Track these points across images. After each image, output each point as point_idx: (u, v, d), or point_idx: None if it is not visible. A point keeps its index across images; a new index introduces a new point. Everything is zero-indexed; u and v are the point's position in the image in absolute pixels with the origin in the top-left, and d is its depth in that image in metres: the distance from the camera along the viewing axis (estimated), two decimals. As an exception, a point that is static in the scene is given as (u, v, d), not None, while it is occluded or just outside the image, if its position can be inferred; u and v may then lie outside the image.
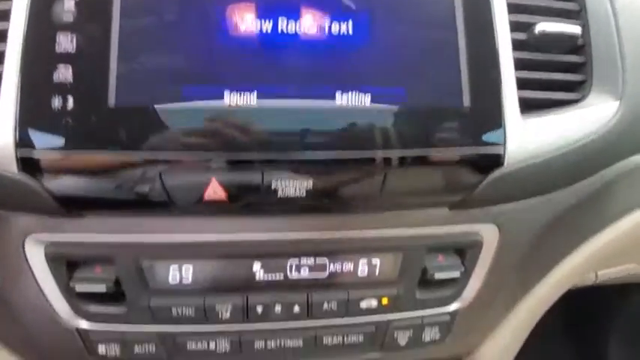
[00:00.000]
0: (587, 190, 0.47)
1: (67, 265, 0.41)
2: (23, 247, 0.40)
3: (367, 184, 0.39)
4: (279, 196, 0.37)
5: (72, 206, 0.38)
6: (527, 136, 0.41)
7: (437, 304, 0.47)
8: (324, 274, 0.44)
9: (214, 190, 0.37)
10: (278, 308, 0.44)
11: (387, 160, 0.38)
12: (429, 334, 0.48)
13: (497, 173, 0.40)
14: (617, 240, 0.53)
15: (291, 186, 0.37)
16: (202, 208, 0.38)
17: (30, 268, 0.40)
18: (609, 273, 0.64)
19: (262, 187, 0.37)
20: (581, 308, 1.09)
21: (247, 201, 0.38)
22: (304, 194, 0.38)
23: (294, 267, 0.44)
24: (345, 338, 0.46)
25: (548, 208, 0.47)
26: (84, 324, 0.42)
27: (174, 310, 0.42)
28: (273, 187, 0.37)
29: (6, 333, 0.45)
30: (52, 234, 0.40)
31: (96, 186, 0.37)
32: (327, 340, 0.46)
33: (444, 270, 0.46)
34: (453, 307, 0.48)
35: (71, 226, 0.39)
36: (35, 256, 0.40)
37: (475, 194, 0.41)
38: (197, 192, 0.37)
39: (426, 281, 0.46)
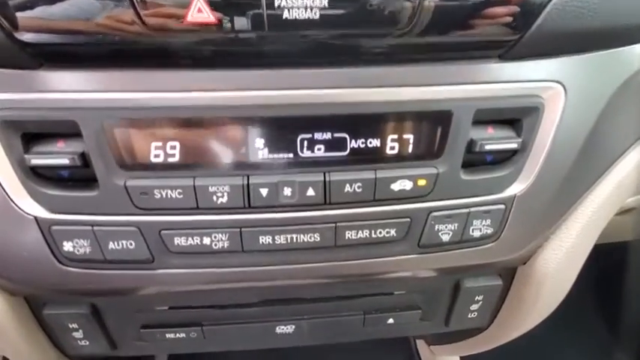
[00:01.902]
0: None
1: (23, 138, 0.32)
2: None
3: (398, 12, 0.29)
4: (284, 16, 0.28)
5: (34, 49, 0.29)
6: None
7: (489, 188, 0.37)
8: (344, 152, 0.35)
9: (199, 8, 0.28)
10: (287, 191, 0.34)
11: None
12: (479, 228, 0.38)
13: (553, 8, 0.31)
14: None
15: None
16: (186, 47, 0.29)
17: None
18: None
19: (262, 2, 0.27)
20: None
21: (240, 27, 0.28)
22: (317, 16, 0.28)
23: (305, 143, 0.34)
24: (373, 233, 0.36)
25: (616, 71, 0.37)
26: (44, 212, 0.34)
27: (157, 193, 0.33)
28: (276, 2, 0.28)
29: None
30: (4, 94, 0.31)
31: (60, 16, 0.27)
32: (350, 234, 0.36)
33: (497, 141, 0.36)
34: (509, 192, 0.37)
35: (28, 83, 0.30)
36: None
37: (529, 36, 0.31)
38: (178, 14, 0.27)
39: (474, 160, 0.36)
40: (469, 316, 0.48)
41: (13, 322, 0.39)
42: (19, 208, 0.33)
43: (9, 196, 0.33)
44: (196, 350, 0.47)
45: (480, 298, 0.46)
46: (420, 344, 0.80)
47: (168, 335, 0.43)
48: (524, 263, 0.44)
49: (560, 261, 0.42)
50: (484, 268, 0.43)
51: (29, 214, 0.33)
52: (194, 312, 0.44)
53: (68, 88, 0.31)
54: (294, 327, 0.45)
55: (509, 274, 0.46)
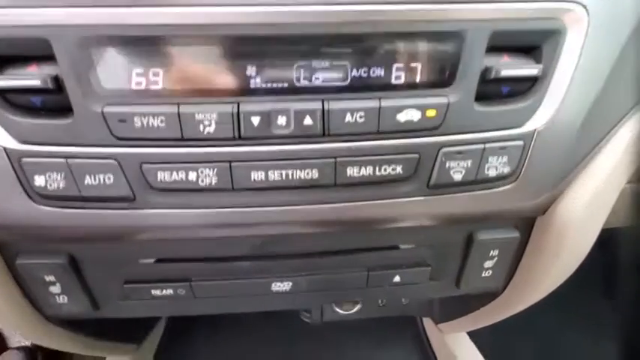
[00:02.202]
0: None
1: None
2: None
3: None
4: None
5: None
6: None
7: (506, 122, 0.33)
8: (345, 82, 0.32)
9: None
10: (282, 120, 0.31)
11: None
12: (495, 167, 0.34)
13: None
14: None
15: None
16: None
17: None
18: None
19: None
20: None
21: None
22: None
23: (302, 72, 0.31)
24: (377, 170, 0.33)
25: None
26: (13, 143, 0.30)
27: (137, 121, 0.30)
28: None
29: None
30: None
31: None
32: (352, 171, 0.33)
33: (514, 67, 0.32)
34: (529, 127, 0.34)
35: None
36: None
37: None
38: None
39: (489, 92, 0.33)
40: (483, 274, 0.44)
41: None
42: None
43: None
44: (185, 313, 0.43)
45: (495, 253, 0.42)
46: (428, 324, 0.76)
47: (154, 292, 0.40)
48: (544, 213, 0.40)
49: (583, 209, 0.38)
50: (500, 218, 0.39)
51: None
52: (182, 266, 0.40)
53: (40, 3, 0.28)
54: (291, 284, 0.41)
55: (527, 226, 0.42)
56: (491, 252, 0.42)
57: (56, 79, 0.29)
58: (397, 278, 0.43)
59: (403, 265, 0.43)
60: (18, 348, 1.15)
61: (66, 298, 0.40)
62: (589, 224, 0.41)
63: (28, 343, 1.22)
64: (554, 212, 0.39)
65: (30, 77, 0.29)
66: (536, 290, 0.47)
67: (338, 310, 0.73)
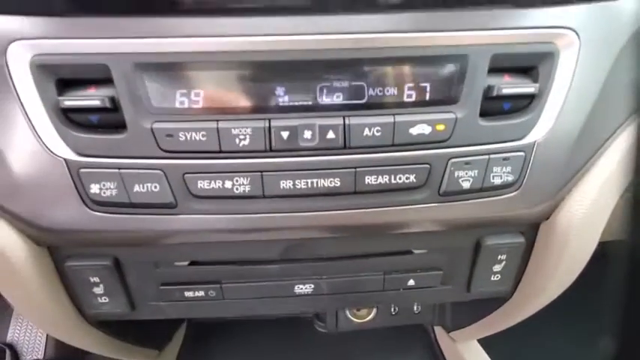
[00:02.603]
0: None
1: (57, 85, 0.34)
2: (5, 57, 0.33)
3: None
4: None
5: None
6: None
7: (508, 135, 0.37)
8: (362, 100, 0.36)
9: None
10: (308, 134, 0.35)
11: None
12: (500, 176, 0.37)
13: None
14: None
15: None
16: None
17: (12, 83, 0.33)
18: None
19: None
20: None
21: None
22: None
23: (325, 91, 0.35)
24: (392, 179, 0.37)
25: (626, 21, 0.37)
26: (73, 155, 0.35)
27: (182, 136, 0.34)
28: None
29: None
30: (40, 40, 0.33)
31: None
32: (370, 179, 0.36)
33: (514, 85, 0.36)
34: (529, 139, 0.37)
35: (62, 29, 0.33)
36: (20, 67, 0.33)
37: None
38: None
39: (492, 108, 0.37)
40: (492, 278, 0.46)
41: (37, 274, 0.40)
42: (50, 151, 0.35)
43: (41, 139, 0.34)
44: (214, 315, 0.46)
45: (503, 257, 0.45)
46: (439, 333, 0.77)
47: (187, 293, 0.43)
48: (547, 219, 0.43)
49: (584, 214, 0.41)
50: (506, 224, 0.43)
51: (59, 157, 0.35)
52: (213, 269, 0.44)
53: (101, 35, 0.33)
54: (312, 287, 0.44)
55: (531, 231, 0.45)
56: (499, 256, 0.45)
57: (112, 99, 0.34)
58: (411, 282, 0.46)
59: (417, 270, 0.46)
60: None
61: (107, 298, 0.43)
62: (589, 230, 0.44)
63: (40, 357, 1.24)
64: (556, 218, 0.42)
65: (91, 98, 0.34)
66: (543, 294, 0.49)
67: (352, 318, 0.75)
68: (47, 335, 1.26)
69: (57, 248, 0.41)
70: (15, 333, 1.25)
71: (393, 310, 0.75)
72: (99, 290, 0.43)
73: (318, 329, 0.80)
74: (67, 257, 0.41)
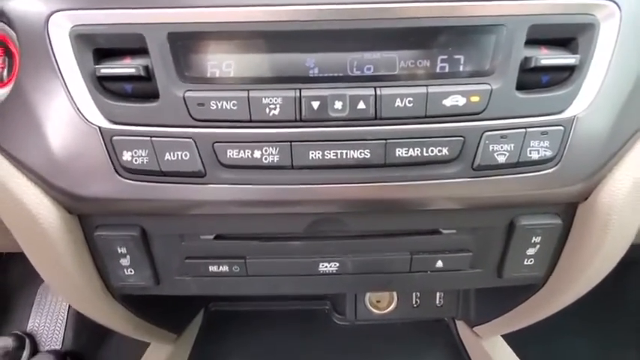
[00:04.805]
0: None
1: (94, 54, 0.35)
2: (47, 28, 0.34)
3: None
4: None
5: None
6: None
7: (546, 108, 0.36)
8: (394, 71, 0.35)
9: None
10: (338, 104, 0.35)
11: None
12: (537, 150, 0.36)
13: None
14: None
15: None
16: None
17: (53, 53, 0.34)
18: None
19: None
20: None
21: None
22: None
23: (355, 62, 0.35)
24: (424, 151, 0.36)
25: None
26: (107, 123, 0.36)
27: (213, 104, 0.34)
28: None
29: (28, 151, 0.38)
30: (79, 11, 0.34)
31: None
32: (401, 152, 0.36)
33: (553, 56, 0.35)
34: (569, 113, 0.36)
35: (100, 0, 0.34)
36: (60, 37, 0.34)
37: None
38: None
39: (529, 81, 0.35)
40: (525, 262, 0.44)
41: (67, 243, 0.41)
42: (86, 119, 0.35)
43: (77, 108, 0.35)
44: (237, 292, 0.46)
45: (538, 240, 0.43)
46: (462, 329, 0.74)
47: (211, 268, 0.43)
48: (586, 199, 0.41)
49: (623, 198, 0.39)
50: (542, 203, 0.41)
51: (93, 124, 0.35)
52: (238, 244, 0.43)
53: (137, 5, 0.34)
54: (337, 265, 0.44)
55: (569, 212, 0.43)
56: (533, 239, 0.43)
57: (146, 68, 0.35)
58: (439, 263, 0.44)
59: (445, 251, 0.44)
60: (49, 351, 1.20)
61: (133, 270, 0.44)
62: (631, 212, 0.41)
63: (58, 347, 1.27)
64: (596, 198, 0.40)
65: (126, 67, 0.35)
66: (578, 282, 0.47)
67: (372, 309, 0.73)
68: (65, 326, 1.29)
69: (87, 217, 0.42)
70: (35, 323, 1.29)
71: (414, 302, 0.74)
72: (125, 262, 0.43)
73: (336, 321, 0.79)
74: (97, 227, 0.42)
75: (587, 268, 0.44)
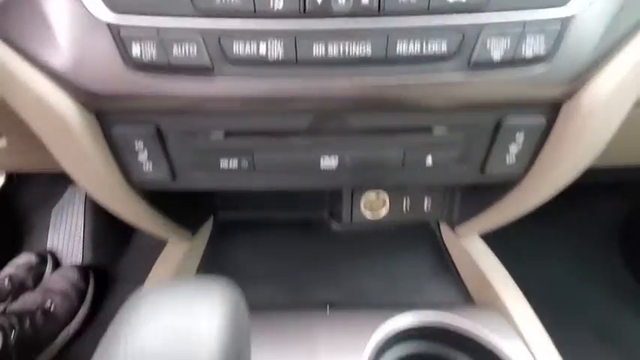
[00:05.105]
0: None
1: None
2: None
3: None
4: None
5: None
6: None
7: (547, 1, 0.37)
8: None
9: None
10: None
11: None
12: (532, 47, 0.38)
13: None
14: None
15: None
16: None
17: None
18: None
19: None
20: None
21: None
22: None
23: None
24: (424, 46, 0.38)
25: None
26: (115, 18, 0.36)
27: None
28: None
29: (41, 49, 0.39)
30: None
31: None
32: (401, 47, 0.38)
33: None
34: (567, 9, 0.37)
35: None
36: None
37: None
38: None
39: None
40: (507, 161, 0.49)
41: (90, 139, 0.44)
42: (94, 15, 0.36)
43: (86, 7, 0.36)
44: (246, 186, 0.51)
45: (521, 137, 0.47)
46: (445, 231, 0.84)
47: (222, 164, 0.48)
48: (570, 98, 0.44)
49: (605, 99, 0.42)
50: (530, 102, 0.44)
51: (102, 21, 0.36)
52: (246, 139, 0.47)
53: None
54: (337, 159, 0.48)
55: (553, 112, 0.46)
56: (517, 135, 0.47)
57: None
58: (429, 159, 0.49)
59: (435, 147, 0.49)
60: (72, 266, 1.30)
61: (151, 165, 0.48)
62: (608, 116, 0.45)
63: (79, 262, 1.37)
64: (581, 95, 0.43)
65: None
66: (552, 180, 0.52)
67: (366, 213, 0.81)
68: (83, 244, 1.39)
69: (104, 115, 0.45)
70: (54, 241, 1.38)
71: (405, 208, 0.82)
72: (143, 157, 0.47)
73: (334, 227, 0.88)
74: (113, 124, 0.45)
75: (563, 164, 0.49)
